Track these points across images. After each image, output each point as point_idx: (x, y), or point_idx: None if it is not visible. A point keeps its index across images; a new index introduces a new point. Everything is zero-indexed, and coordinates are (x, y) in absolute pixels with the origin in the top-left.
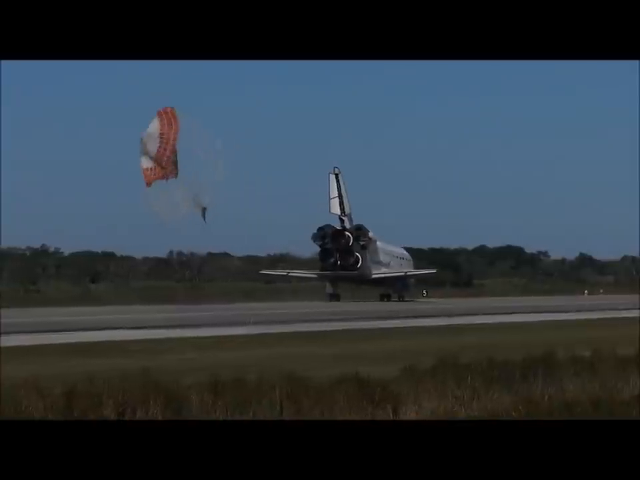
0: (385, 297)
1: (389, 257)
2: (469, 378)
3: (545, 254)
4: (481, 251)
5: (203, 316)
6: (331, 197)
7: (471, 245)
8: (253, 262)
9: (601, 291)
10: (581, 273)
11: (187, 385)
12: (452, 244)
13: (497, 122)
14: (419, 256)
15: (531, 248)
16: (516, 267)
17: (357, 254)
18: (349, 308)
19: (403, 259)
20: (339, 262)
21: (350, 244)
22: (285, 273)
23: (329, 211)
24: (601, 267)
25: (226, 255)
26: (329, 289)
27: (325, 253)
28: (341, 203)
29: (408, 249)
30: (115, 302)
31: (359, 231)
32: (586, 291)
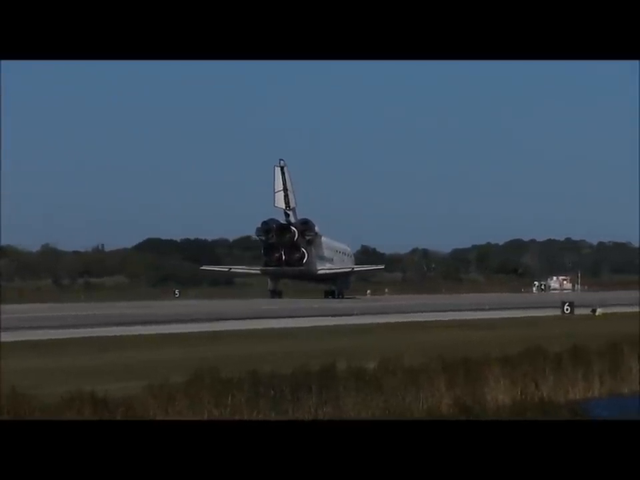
0: (330, 294)
1: (333, 253)
2: (230, 395)
3: None
4: (246, 242)
5: None
6: (276, 190)
7: (233, 236)
8: None
9: (386, 290)
10: None
11: None
12: (209, 235)
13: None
14: (171, 248)
15: None
16: None
17: (303, 249)
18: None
19: (345, 254)
20: (283, 257)
21: (295, 239)
22: (227, 270)
23: (273, 204)
24: (388, 262)
25: None
26: (270, 285)
27: (269, 248)
28: (286, 197)
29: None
30: None
31: (305, 225)
32: (368, 291)
